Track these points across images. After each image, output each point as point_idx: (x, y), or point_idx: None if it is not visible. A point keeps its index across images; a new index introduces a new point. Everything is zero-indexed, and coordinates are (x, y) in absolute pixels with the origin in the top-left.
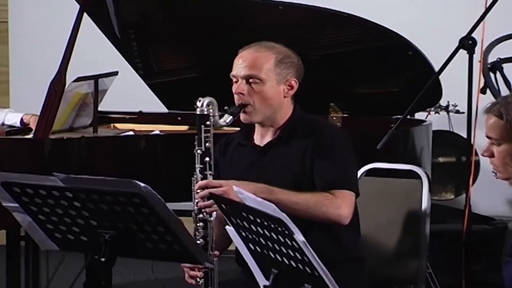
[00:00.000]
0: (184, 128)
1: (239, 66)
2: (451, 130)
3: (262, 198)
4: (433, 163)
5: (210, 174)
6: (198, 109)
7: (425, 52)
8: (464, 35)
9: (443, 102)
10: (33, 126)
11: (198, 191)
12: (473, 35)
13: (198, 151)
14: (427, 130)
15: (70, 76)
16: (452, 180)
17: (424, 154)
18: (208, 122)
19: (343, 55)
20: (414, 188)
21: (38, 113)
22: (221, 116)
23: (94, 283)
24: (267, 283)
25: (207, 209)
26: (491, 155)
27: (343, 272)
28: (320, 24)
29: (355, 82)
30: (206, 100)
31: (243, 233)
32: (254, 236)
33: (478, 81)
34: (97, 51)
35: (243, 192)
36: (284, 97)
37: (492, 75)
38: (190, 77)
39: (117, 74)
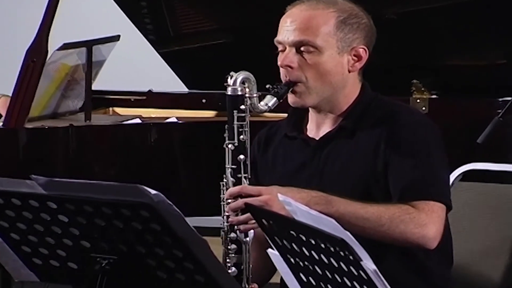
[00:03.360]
0: (210, 114)
1: (287, 29)
2: None
3: (317, 210)
4: None
5: (245, 178)
6: (229, 88)
7: None
8: None
9: None
10: (3, 111)
11: (230, 201)
12: None
13: (230, 146)
14: None
15: (53, 43)
16: None
17: None
18: (243, 106)
19: (430, 13)
20: None
21: (10, 93)
22: (261, 98)
23: None
24: None
25: (241, 226)
26: None
27: None
28: None
29: (447, 50)
30: (241, 76)
31: (292, 259)
32: (306, 263)
33: None
34: (91, 8)
35: (292, 202)
36: (349, 71)
37: None
38: (219, 44)
39: (118, 40)
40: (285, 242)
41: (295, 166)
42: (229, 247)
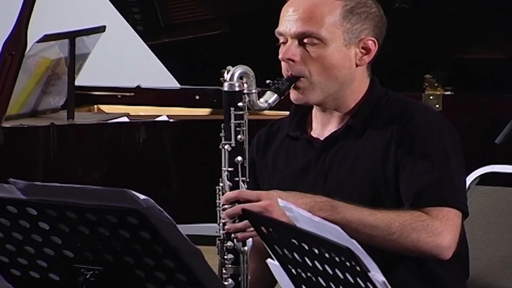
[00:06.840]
0: (204, 111)
1: (289, 19)
2: None
3: (321, 217)
4: None
5: (243, 181)
6: (226, 84)
7: None
8: None
9: None
10: None
11: (226, 206)
12: None
13: (226, 147)
14: None
15: (33, 34)
16: None
17: None
18: (241, 104)
19: (445, 1)
20: None
21: None
22: (260, 95)
23: None
24: None
25: (238, 234)
26: None
27: None
28: None
29: (463, 42)
30: (238, 70)
31: (293, 270)
32: (309, 274)
33: None
34: None
35: (293, 208)
36: (357, 65)
37: None
38: (214, 35)
39: (103, 31)
40: (286, 251)
41: (298, 168)
42: (225, 257)
